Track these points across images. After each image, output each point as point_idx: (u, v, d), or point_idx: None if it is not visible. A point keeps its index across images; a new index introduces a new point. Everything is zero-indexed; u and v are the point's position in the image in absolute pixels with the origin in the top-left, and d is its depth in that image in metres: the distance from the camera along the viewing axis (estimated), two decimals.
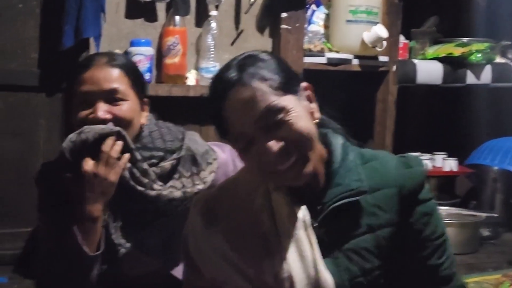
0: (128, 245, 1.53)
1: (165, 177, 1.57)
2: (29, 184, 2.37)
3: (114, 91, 1.52)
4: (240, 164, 1.71)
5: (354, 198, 1.21)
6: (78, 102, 1.53)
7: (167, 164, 1.57)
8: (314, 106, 1.25)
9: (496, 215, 3.08)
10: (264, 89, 1.14)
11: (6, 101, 2.38)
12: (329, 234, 1.23)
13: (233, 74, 1.17)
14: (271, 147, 1.13)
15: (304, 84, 1.25)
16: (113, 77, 1.53)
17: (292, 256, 1.20)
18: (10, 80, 2.36)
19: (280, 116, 1.15)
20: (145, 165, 1.53)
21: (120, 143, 1.49)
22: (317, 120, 1.24)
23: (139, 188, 1.50)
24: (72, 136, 1.47)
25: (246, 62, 1.18)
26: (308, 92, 1.25)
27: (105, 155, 1.46)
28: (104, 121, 1.50)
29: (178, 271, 1.67)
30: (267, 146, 1.13)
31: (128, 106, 1.54)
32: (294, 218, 1.21)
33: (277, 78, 1.17)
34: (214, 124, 1.22)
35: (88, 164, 1.46)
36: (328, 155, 1.27)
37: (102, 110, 1.50)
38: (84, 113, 1.52)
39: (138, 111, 1.58)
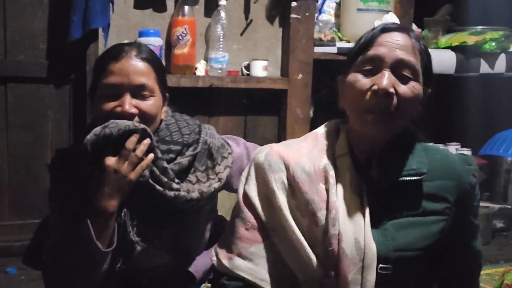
0: (144, 243, 1.53)
1: (182, 172, 1.56)
2: (37, 175, 2.40)
3: (142, 86, 1.49)
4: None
5: (415, 178, 1.30)
6: (103, 94, 1.49)
7: (184, 160, 1.55)
8: (424, 99, 1.35)
9: (509, 206, 3.05)
10: (415, 51, 1.31)
11: (15, 92, 2.39)
12: (383, 206, 1.30)
13: (401, 26, 1.35)
14: (388, 84, 1.26)
15: (430, 90, 1.38)
16: (143, 72, 1.50)
17: (345, 217, 1.28)
18: (19, 72, 2.36)
19: (410, 76, 1.28)
20: (165, 163, 1.52)
21: (146, 143, 1.46)
22: (417, 112, 1.35)
23: (158, 188, 1.49)
24: (97, 129, 1.43)
25: (412, 30, 1.37)
26: (427, 96, 1.36)
27: (128, 152, 1.44)
28: (131, 115, 1.47)
29: (188, 264, 1.67)
30: (386, 82, 1.25)
31: (154, 102, 1.51)
32: (355, 183, 1.31)
33: (425, 60, 1.34)
34: (356, 48, 1.33)
35: (110, 160, 1.43)
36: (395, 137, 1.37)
37: (130, 104, 1.47)
38: (110, 105, 1.47)
39: (161, 107, 1.56)
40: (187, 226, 1.60)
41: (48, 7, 2.37)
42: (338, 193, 1.30)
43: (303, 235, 1.30)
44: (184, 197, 1.53)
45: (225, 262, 1.34)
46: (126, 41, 2.42)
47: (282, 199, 1.32)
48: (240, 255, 1.33)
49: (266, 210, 1.34)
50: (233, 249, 1.34)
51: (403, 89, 1.27)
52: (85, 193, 1.48)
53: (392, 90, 1.26)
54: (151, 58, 1.54)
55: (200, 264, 1.67)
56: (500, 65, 3.09)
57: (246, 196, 1.37)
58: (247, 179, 1.39)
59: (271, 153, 1.37)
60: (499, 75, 3.11)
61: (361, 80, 1.28)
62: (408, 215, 1.30)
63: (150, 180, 1.49)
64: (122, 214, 1.51)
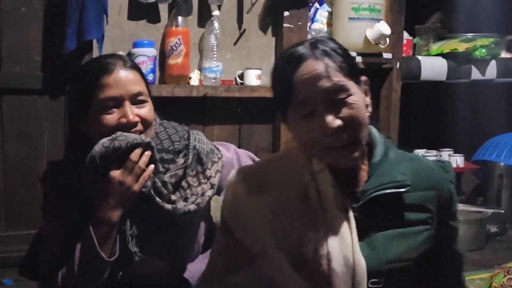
0: (141, 253, 1.54)
1: (177, 182, 1.58)
2: (33, 186, 2.40)
3: (139, 94, 1.51)
4: (245, 163, 1.72)
5: (400, 190, 1.28)
6: (100, 108, 1.49)
7: (179, 171, 1.57)
8: (368, 100, 1.32)
9: (502, 211, 3.07)
10: (334, 67, 1.23)
11: (10, 104, 2.39)
12: (368, 219, 1.28)
13: (306, 49, 1.26)
14: (332, 122, 1.21)
15: (363, 78, 1.32)
16: (135, 79, 1.53)
17: (332, 235, 1.25)
18: (14, 84, 2.37)
19: (345, 96, 1.23)
20: (165, 177, 1.54)
21: (148, 154, 1.48)
22: (368, 114, 1.31)
23: (158, 200, 1.51)
24: (105, 142, 1.45)
25: (318, 42, 1.28)
26: (366, 86, 1.33)
27: (133, 164, 1.46)
28: (135, 124, 1.50)
29: (183, 270, 1.68)
30: (328, 120, 1.21)
31: (150, 107, 1.55)
32: (338, 199, 1.27)
33: (345, 62, 1.26)
34: (279, 93, 1.28)
35: (115, 172, 1.45)
36: (369, 149, 1.34)
37: (133, 113, 1.49)
38: (114, 117, 1.48)
39: (153, 111, 1.59)
40: (180, 233, 1.61)
41: (43, 19, 2.38)
42: (323, 210, 1.27)
43: (292, 257, 1.26)
44: (182, 210, 1.54)
45: None
46: (120, 52, 2.44)
47: (264, 221, 1.29)
48: (221, 285, 1.32)
49: (248, 235, 1.31)
50: (211, 279, 1.34)
51: (346, 112, 1.23)
52: (79, 204, 1.50)
53: (337, 123, 1.22)
54: (136, 66, 1.58)
55: (195, 270, 1.68)
56: (491, 71, 3.12)
57: (225, 222, 1.35)
58: (225, 204, 1.37)
59: (250, 175, 1.34)
60: (490, 81, 3.15)
61: (306, 126, 1.25)
62: (394, 226, 1.29)
63: (152, 192, 1.51)
64: (124, 226, 1.52)
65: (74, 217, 1.51)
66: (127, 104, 1.50)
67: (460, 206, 2.99)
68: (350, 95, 1.24)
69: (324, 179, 1.29)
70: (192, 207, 1.57)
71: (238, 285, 1.31)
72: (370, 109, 1.31)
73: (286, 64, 1.26)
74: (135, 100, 1.51)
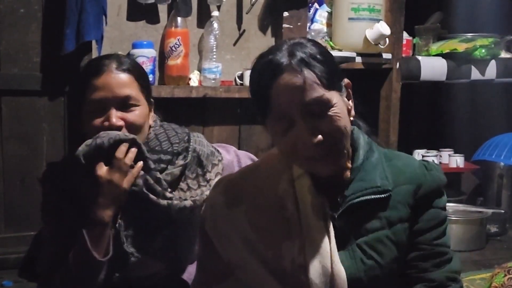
0: (138, 254, 1.54)
1: (174, 181, 1.58)
2: (32, 187, 2.40)
3: (127, 98, 1.51)
4: (245, 164, 1.71)
5: (380, 196, 1.25)
6: (90, 110, 1.51)
7: (176, 170, 1.57)
8: (351, 103, 1.29)
9: (502, 211, 3.07)
10: (314, 80, 1.18)
11: (9, 105, 2.39)
12: (348, 226, 1.25)
13: (284, 59, 1.19)
14: (311, 137, 1.17)
15: (346, 81, 1.28)
16: (125, 83, 1.52)
17: (310, 245, 1.23)
18: (13, 85, 2.37)
19: (325, 109, 1.19)
20: (158, 174, 1.54)
21: (134, 151, 1.48)
22: (351, 118, 1.28)
23: (152, 196, 1.51)
24: (88, 141, 1.46)
25: (297, 49, 1.20)
26: (349, 89, 1.29)
27: (119, 161, 1.46)
28: (118, 128, 1.50)
29: (181, 272, 1.67)
30: (307, 134, 1.17)
31: (140, 111, 1.54)
32: (316, 207, 1.25)
33: (325, 71, 1.20)
34: (257, 102, 1.22)
35: (102, 170, 1.46)
36: (352, 151, 1.31)
37: (116, 117, 1.49)
38: (98, 120, 1.50)
39: (148, 114, 1.58)
40: (179, 234, 1.61)
41: (41, 20, 2.38)
42: (300, 219, 1.24)
43: (269, 269, 1.24)
44: (177, 205, 1.54)
45: None
46: (120, 53, 2.43)
47: (242, 234, 1.27)
48: None
49: (227, 248, 1.30)
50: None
51: (327, 125, 1.19)
52: (78, 205, 1.50)
53: (318, 139, 1.18)
54: (132, 68, 1.56)
55: (193, 271, 1.68)
56: (491, 71, 3.12)
57: (205, 234, 1.34)
58: (204, 218, 1.35)
59: (227, 188, 1.32)
60: (490, 81, 3.15)
61: (284, 141, 1.21)
62: (374, 230, 1.25)
63: (144, 189, 1.50)
64: (117, 225, 1.52)
65: (73, 218, 1.51)
66: (112, 109, 1.50)
67: (460, 206, 3.00)
68: (331, 107, 1.19)
69: (303, 185, 1.26)
70: (188, 203, 1.56)
71: None
72: (353, 112, 1.28)
73: (263, 73, 1.20)
74: (123, 104, 1.51)
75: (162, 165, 1.56)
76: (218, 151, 1.69)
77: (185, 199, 1.57)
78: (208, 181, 1.62)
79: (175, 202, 1.54)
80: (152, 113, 1.63)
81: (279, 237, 1.24)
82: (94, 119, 1.50)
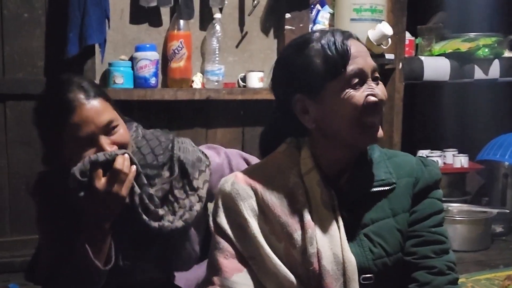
0: (132, 266, 1.54)
1: (164, 196, 1.57)
2: None
3: (109, 123, 1.48)
4: (236, 166, 1.70)
5: (385, 188, 1.34)
6: (76, 146, 1.46)
7: (165, 185, 1.55)
8: None
9: (507, 211, 3.05)
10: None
11: (14, 110, 2.40)
12: (355, 218, 1.32)
13: (347, 31, 1.35)
14: (378, 89, 1.30)
15: None
16: (102, 109, 1.47)
17: (321, 234, 1.29)
18: (18, 89, 2.38)
19: (378, 75, 1.33)
20: (150, 190, 1.53)
21: (127, 158, 1.47)
22: None
23: (144, 217, 1.50)
24: (83, 159, 1.44)
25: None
26: None
27: (117, 172, 1.44)
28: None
29: (180, 279, 1.67)
30: (376, 92, 1.29)
31: (123, 129, 1.51)
32: (325, 199, 1.31)
33: None
34: (333, 63, 1.29)
35: (100, 182, 1.44)
36: None
37: (108, 144, 1.47)
38: (89, 152, 1.46)
39: (125, 127, 1.56)
40: (174, 245, 1.60)
41: (45, 25, 2.40)
42: (310, 210, 1.30)
43: (281, 259, 1.29)
44: (169, 227, 1.53)
45: None
46: (123, 56, 2.45)
47: (254, 226, 1.31)
48: (223, 286, 1.31)
49: (240, 239, 1.33)
50: (215, 281, 1.32)
51: (382, 91, 1.31)
52: (72, 213, 1.50)
53: (384, 98, 1.31)
54: (96, 90, 1.51)
55: (192, 277, 1.67)
56: (494, 70, 3.11)
57: (218, 227, 1.36)
58: (216, 210, 1.37)
59: (237, 181, 1.36)
60: (494, 81, 3.14)
61: (356, 95, 1.28)
62: (380, 219, 1.33)
63: (139, 209, 1.50)
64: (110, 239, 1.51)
65: (68, 226, 1.51)
66: (101, 138, 1.47)
67: (465, 207, 2.98)
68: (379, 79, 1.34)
69: (312, 180, 1.33)
70: (180, 223, 1.55)
71: (240, 284, 1.31)
72: None
73: (336, 38, 1.31)
74: (107, 129, 1.48)
75: (151, 181, 1.55)
76: (205, 155, 1.67)
77: (175, 212, 1.55)
78: (196, 189, 1.60)
79: (166, 224, 1.53)
80: (128, 125, 1.60)
81: (292, 228, 1.29)
82: (84, 152, 1.47)
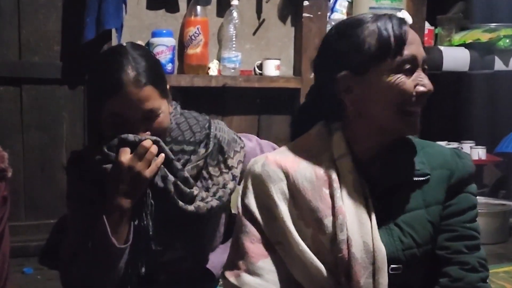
0: (166, 251, 1.54)
1: (198, 172, 1.58)
2: (52, 176, 2.41)
3: (150, 111, 1.47)
4: (267, 151, 1.70)
5: (420, 178, 1.30)
6: (111, 122, 1.47)
7: (200, 162, 1.56)
8: None
9: None
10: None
11: (30, 94, 2.40)
12: (386, 206, 1.29)
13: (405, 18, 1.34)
14: (427, 84, 1.27)
15: None
16: (147, 97, 1.45)
17: (351, 221, 1.26)
18: (34, 73, 2.38)
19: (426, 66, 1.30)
20: (185, 173, 1.53)
21: (156, 148, 1.46)
22: None
23: (181, 203, 1.50)
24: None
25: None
26: None
27: (143, 149, 1.44)
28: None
29: (205, 261, 1.67)
30: (424, 76, 1.27)
31: (163, 116, 1.50)
32: (357, 185, 1.28)
33: None
34: (389, 45, 1.27)
35: (126, 157, 1.44)
36: None
37: (142, 130, 1.47)
38: (123, 132, 1.46)
39: (169, 111, 1.56)
40: (205, 227, 1.60)
41: (61, 9, 2.39)
42: (342, 197, 1.28)
43: (308, 246, 1.27)
44: (205, 207, 1.53)
45: (232, 280, 1.30)
46: (139, 42, 2.43)
47: (284, 210, 1.29)
48: (248, 271, 1.29)
49: (268, 223, 1.31)
50: (240, 265, 1.30)
51: (427, 81, 1.28)
52: (102, 193, 1.50)
53: (430, 88, 1.28)
54: (149, 77, 1.47)
55: (217, 260, 1.67)
56: None
57: (246, 209, 1.33)
58: (245, 192, 1.35)
59: (268, 163, 1.33)
60: None
61: (406, 82, 1.26)
62: (411, 210, 1.29)
63: (175, 196, 1.50)
64: (144, 223, 1.51)
65: (96, 206, 1.51)
66: (138, 123, 1.46)
67: (482, 199, 2.95)
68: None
69: (345, 166, 1.30)
70: (215, 203, 1.55)
71: (266, 270, 1.29)
72: None
73: (393, 21, 1.29)
74: (147, 116, 1.47)
75: (186, 156, 1.56)
76: (240, 138, 1.68)
77: (208, 188, 1.56)
78: (230, 168, 1.61)
79: (202, 205, 1.53)
80: (170, 106, 1.61)
81: (322, 213, 1.27)
82: (117, 131, 1.46)
